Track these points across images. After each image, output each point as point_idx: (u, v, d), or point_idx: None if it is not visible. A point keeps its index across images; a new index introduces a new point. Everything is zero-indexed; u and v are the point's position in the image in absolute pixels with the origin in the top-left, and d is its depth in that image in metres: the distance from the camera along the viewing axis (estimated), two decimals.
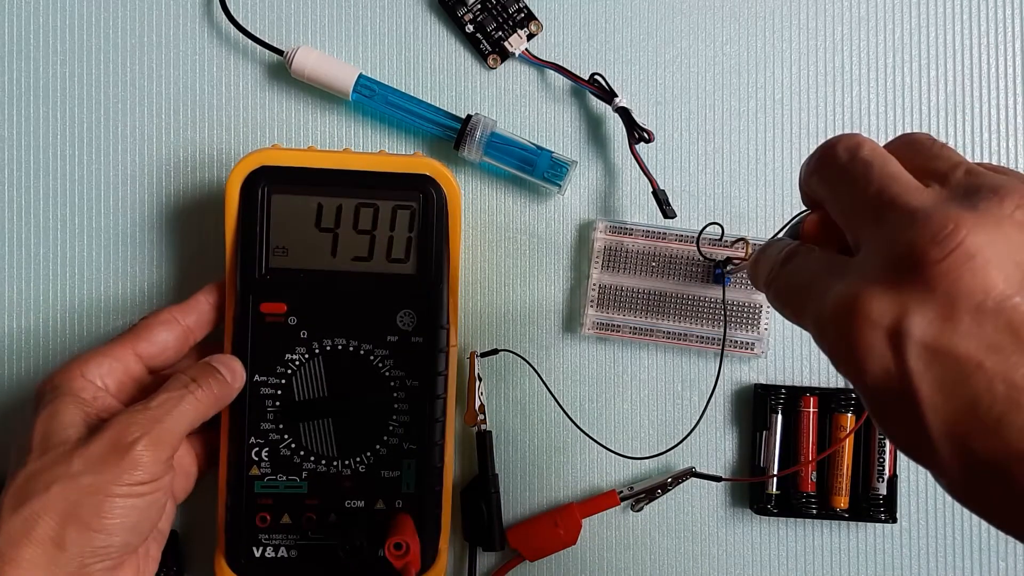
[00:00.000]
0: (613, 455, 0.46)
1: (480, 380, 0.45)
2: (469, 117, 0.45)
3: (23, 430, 0.36)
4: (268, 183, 0.41)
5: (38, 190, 0.46)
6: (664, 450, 0.46)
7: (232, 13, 0.46)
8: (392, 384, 0.42)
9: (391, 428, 0.42)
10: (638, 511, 0.47)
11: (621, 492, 0.46)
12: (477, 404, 0.45)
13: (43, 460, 0.34)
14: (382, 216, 0.41)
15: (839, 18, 0.49)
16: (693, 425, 0.46)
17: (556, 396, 0.46)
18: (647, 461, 0.47)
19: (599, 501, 0.46)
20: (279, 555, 0.42)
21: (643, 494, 0.46)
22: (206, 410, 0.38)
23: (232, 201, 0.41)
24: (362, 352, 0.42)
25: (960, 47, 0.49)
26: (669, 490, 0.46)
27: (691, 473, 0.46)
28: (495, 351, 0.46)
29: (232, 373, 0.39)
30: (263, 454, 0.41)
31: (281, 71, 0.47)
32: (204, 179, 0.47)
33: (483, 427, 0.45)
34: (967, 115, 0.48)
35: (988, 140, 0.48)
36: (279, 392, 0.41)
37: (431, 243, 0.42)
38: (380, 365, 0.42)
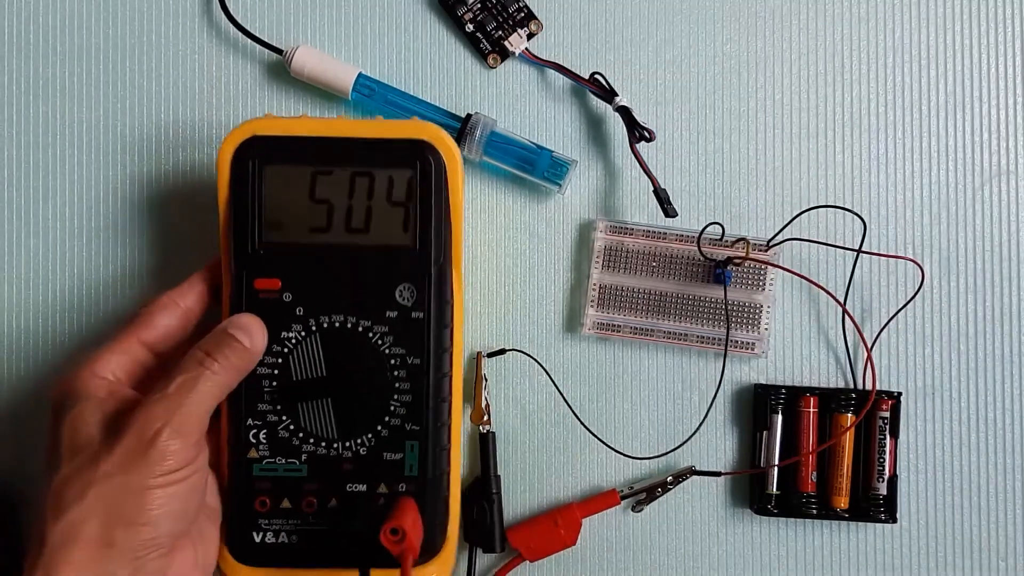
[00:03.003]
0: (614, 455, 0.46)
1: (486, 380, 0.45)
2: (469, 116, 0.45)
3: (49, 438, 0.36)
4: (260, 153, 0.39)
5: (38, 190, 0.46)
6: (667, 451, 0.46)
7: (232, 13, 0.46)
8: (392, 362, 0.40)
9: (392, 408, 0.40)
10: (638, 511, 0.47)
11: (621, 492, 0.46)
12: (484, 404, 0.45)
13: (73, 464, 0.34)
14: (378, 185, 0.40)
15: (839, 18, 0.49)
16: (696, 427, 0.46)
17: (558, 396, 0.46)
18: (647, 461, 0.47)
19: (599, 501, 0.46)
20: (279, 540, 0.40)
21: (643, 493, 0.46)
22: (227, 382, 0.37)
23: (224, 174, 0.40)
24: (360, 329, 0.40)
25: (960, 47, 0.49)
26: (669, 489, 0.46)
27: (691, 471, 0.46)
28: (503, 351, 0.46)
29: (250, 336, 0.38)
30: (261, 436, 0.40)
31: (281, 71, 0.47)
32: (204, 179, 0.47)
33: (487, 428, 0.45)
34: (967, 115, 0.48)
35: (988, 140, 0.48)
36: (276, 372, 0.40)
37: (430, 213, 0.40)
38: (379, 342, 0.40)
